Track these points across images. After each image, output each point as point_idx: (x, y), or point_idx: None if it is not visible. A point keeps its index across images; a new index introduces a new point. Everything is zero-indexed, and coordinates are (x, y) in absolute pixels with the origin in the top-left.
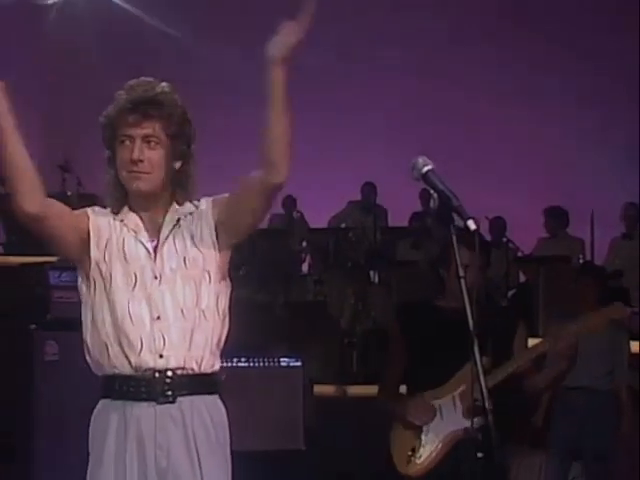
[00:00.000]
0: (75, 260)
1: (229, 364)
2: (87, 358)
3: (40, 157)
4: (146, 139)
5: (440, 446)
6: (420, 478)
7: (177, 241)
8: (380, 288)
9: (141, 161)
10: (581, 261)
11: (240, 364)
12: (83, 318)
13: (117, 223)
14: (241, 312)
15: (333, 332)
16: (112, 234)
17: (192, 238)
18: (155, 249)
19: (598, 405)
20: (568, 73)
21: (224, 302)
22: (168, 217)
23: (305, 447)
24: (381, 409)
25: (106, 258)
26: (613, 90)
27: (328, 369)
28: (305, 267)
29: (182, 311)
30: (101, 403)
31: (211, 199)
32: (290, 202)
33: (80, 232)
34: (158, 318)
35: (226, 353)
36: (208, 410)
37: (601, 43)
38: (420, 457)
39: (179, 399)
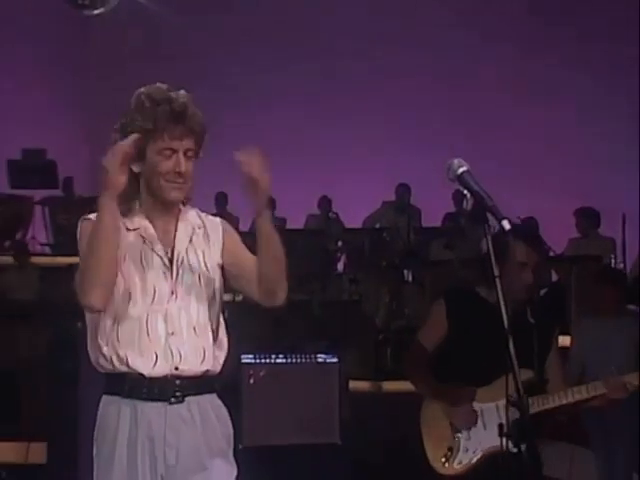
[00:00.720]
0: None
1: (268, 361)
2: (95, 354)
3: (87, 161)
4: (186, 152)
5: (480, 455)
6: (454, 478)
7: (191, 257)
8: (414, 287)
9: (184, 173)
10: (612, 261)
11: (278, 361)
12: (94, 319)
13: (131, 234)
14: (279, 311)
15: (368, 330)
16: (129, 247)
17: (204, 256)
18: (170, 262)
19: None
20: (599, 71)
21: (223, 315)
22: (181, 228)
23: (341, 441)
24: (415, 385)
25: (125, 274)
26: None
27: (363, 366)
28: (341, 266)
29: (195, 329)
30: (109, 399)
31: (223, 233)
32: (326, 203)
33: None
34: (172, 334)
35: (265, 350)
36: (212, 408)
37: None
38: (459, 462)
39: (187, 399)
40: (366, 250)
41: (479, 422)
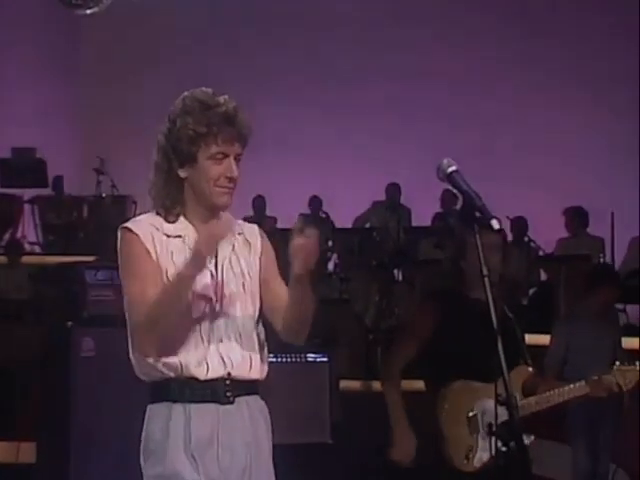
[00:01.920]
0: None
1: None
2: (141, 365)
3: (76, 160)
4: (236, 157)
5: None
6: (473, 474)
7: (234, 264)
8: (404, 286)
9: (235, 178)
10: (602, 260)
11: (268, 360)
12: None
13: (176, 241)
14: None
15: (358, 329)
16: (175, 255)
17: (246, 262)
18: (215, 268)
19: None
20: (585, 74)
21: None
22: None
23: (332, 441)
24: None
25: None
26: (632, 90)
27: (354, 365)
28: (331, 266)
29: (240, 336)
30: (158, 407)
31: (262, 240)
32: (316, 203)
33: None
34: (221, 341)
35: None
36: (259, 408)
37: (627, 46)
38: (479, 460)
39: (237, 399)
40: (356, 250)
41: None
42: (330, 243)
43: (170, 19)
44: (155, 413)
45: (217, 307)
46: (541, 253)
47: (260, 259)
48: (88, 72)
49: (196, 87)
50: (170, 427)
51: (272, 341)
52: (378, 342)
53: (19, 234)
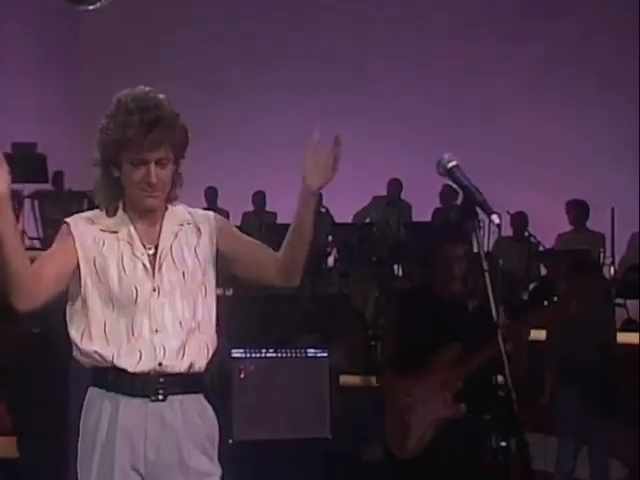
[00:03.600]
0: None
1: (258, 355)
2: (80, 348)
3: (77, 155)
4: (159, 162)
5: (426, 432)
6: (415, 460)
7: (175, 253)
8: (404, 282)
9: (156, 184)
10: (601, 256)
11: (268, 355)
12: (74, 315)
13: (110, 236)
14: (268, 305)
15: (358, 324)
16: (108, 251)
17: (190, 250)
18: (154, 259)
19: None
20: (587, 70)
21: (215, 313)
22: (166, 226)
23: (332, 435)
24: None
25: (106, 278)
26: (633, 86)
27: (353, 360)
28: (331, 261)
29: (180, 323)
30: (93, 392)
31: (216, 222)
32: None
33: (72, 267)
34: (156, 331)
35: (254, 344)
36: (196, 408)
37: (622, 42)
38: (411, 442)
39: (170, 397)
40: (356, 245)
41: (421, 402)
42: (330, 238)
43: (170, 14)
44: (90, 398)
45: (154, 297)
46: (541, 248)
47: (218, 236)
48: (88, 67)
49: (194, 83)
50: (101, 416)
51: (272, 336)
52: (377, 337)
53: (19, 229)
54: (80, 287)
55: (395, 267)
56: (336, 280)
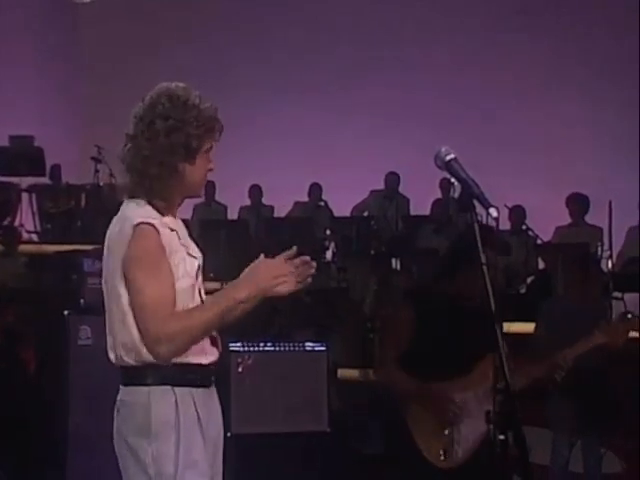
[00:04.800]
0: None
1: (256, 349)
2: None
3: (74, 148)
4: None
5: (474, 445)
6: (453, 470)
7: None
8: (401, 275)
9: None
10: (599, 249)
11: (266, 348)
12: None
13: (173, 235)
14: (267, 298)
15: (356, 317)
16: (178, 252)
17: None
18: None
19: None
20: (586, 64)
21: None
22: (185, 229)
23: (329, 429)
24: (391, 388)
25: (183, 276)
26: (632, 80)
27: (351, 353)
28: (329, 254)
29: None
30: (163, 390)
31: None
32: (316, 190)
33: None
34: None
35: (253, 338)
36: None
37: (619, 36)
38: (458, 455)
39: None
40: (354, 238)
41: (466, 413)
42: (328, 232)
43: (169, 8)
44: (162, 396)
45: (199, 296)
46: (539, 242)
47: None
48: (86, 61)
49: (195, 76)
50: (180, 410)
51: (270, 330)
52: (376, 330)
53: (17, 222)
54: None
55: (393, 260)
56: (334, 274)
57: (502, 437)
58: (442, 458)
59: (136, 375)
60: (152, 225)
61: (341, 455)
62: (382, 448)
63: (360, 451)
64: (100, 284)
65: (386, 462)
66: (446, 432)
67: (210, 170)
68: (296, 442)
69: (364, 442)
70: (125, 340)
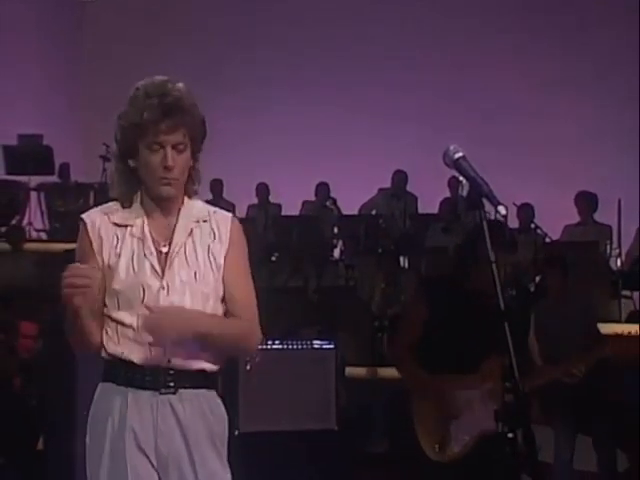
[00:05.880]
0: None
1: (264, 347)
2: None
3: (82, 147)
4: (176, 146)
5: (470, 441)
6: (450, 464)
7: (188, 252)
8: (409, 273)
9: (173, 168)
10: (608, 247)
11: (274, 347)
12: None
13: (125, 231)
14: (275, 297)
15: (364, 316)
16: (122, 246)
17: (204, 251)
18: (166, 256)
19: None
20: (594, 61)
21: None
22: (181, 222)
23: (337, 427)
24: (401, 375)
25: (116, 275)
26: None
27: (359, 352)
28: (337, 253)
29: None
30: (103, 387)
31: (232, 233)
32: (323, 190)
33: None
34: None
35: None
36: (208, 404)
37: (620, 36)
38: (452, 449)
39: (180, 391)
40: (362, 236)
41: (467, 409)
42: (336, 230)
43: (173, 5)
44: (100, 393)
45: (162, 295)
46: (547, 240)
47: (227, 254)
48: (94, 59)
49: (197, 77)
50: (112, 410)
51: (278, 328)
52: (384, 329)
53: (25, 221)
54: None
55: (401, 259)
56: (342, 272)
57: (511, 435)
58: (437, 450)
59: None
60: (81, 218)
61: (348, 453)
62: (389, 447)
63: (367, 449)
64: None
65: (393, 461)
66: (447, 426)
67: (166, 168)
68: (304, 440)
69: (371, 441)
70: None
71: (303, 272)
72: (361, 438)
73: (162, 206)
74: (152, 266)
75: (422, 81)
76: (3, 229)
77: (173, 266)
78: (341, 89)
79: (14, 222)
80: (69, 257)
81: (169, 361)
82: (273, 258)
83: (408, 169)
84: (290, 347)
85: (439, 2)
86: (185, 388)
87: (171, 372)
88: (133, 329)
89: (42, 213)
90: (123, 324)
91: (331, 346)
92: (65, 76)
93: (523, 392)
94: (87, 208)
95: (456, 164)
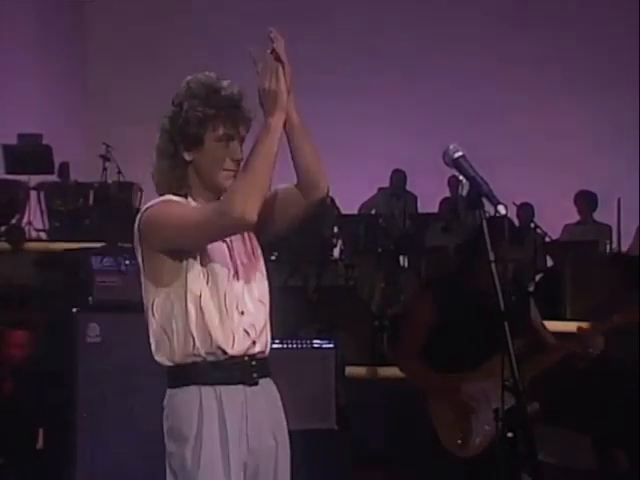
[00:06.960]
0: (183, 250)
1: None
2: (164, 345)
3: (82, 146)
4: (241, 140)
5: (492, 430)
6: (450, 464)
7: (238, 237)
8: (409, 273)
9: (241, 160)
10: (608, 247)
11: (274, 346)
12: (162, 306)
13: None
14: (274, 296)
15: (364, 315)
16: None
17: (249, 237)
18: (229, 246)
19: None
20: (595, 60)
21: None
22: None
23: (337, 427)
24: (411, 379)
25: (207, 253)
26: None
27: (359, 351)
28: (336, 252)
29: (260, 301)
30: (186, 390)
31: None
32: None
33: None
34: (242, 313)
35: None
36: (272, 390)
37: (620, 36)
38: (474, 441)
39: (260, 381)
40: (362, 236)
41: (484, 400)
42: (335, 229)
43: (173, 5)
44: (182, 397)
45: (233, 280)
46: (547, 239)
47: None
48: (94, 59)
49: (199, 73)
50: (207, 411)
51: (277, 327)
52: (384, 328)
53: (25, 220)
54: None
55: (401, 258)
56: (342, 271)
57: (510, 435)
58: (460, 442)
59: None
60: (167, 198)
61: (348, 453)
62: (389, 447)
63: (367, 449)
64: (108, 282)
65: (392, 461)
66: (467, 421)
67: (234, 161)
68: (303, 440)
69: (371, 440)
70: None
71: (303, 271)
72: (361, 438)
73: (210, 200)
74: (227, 247)
75: (422, 81)
76: (3, 228)
77: (235, 251)
78: (340, 89)
79: (14, 221)
80: (69, 257)
81: (254, 343)
82: (272, 257)
83: (408, 168)
84: (290, 347)
85: (439, 2)
86: (262, 377)
87: (253, 363)
88: (222, 312)
89: (42, 212)
90: (211, 311)
91: (331, 345)
92: (65, 76)
93: (523, 391)
94: (86, 208)
95: (456, 163)
